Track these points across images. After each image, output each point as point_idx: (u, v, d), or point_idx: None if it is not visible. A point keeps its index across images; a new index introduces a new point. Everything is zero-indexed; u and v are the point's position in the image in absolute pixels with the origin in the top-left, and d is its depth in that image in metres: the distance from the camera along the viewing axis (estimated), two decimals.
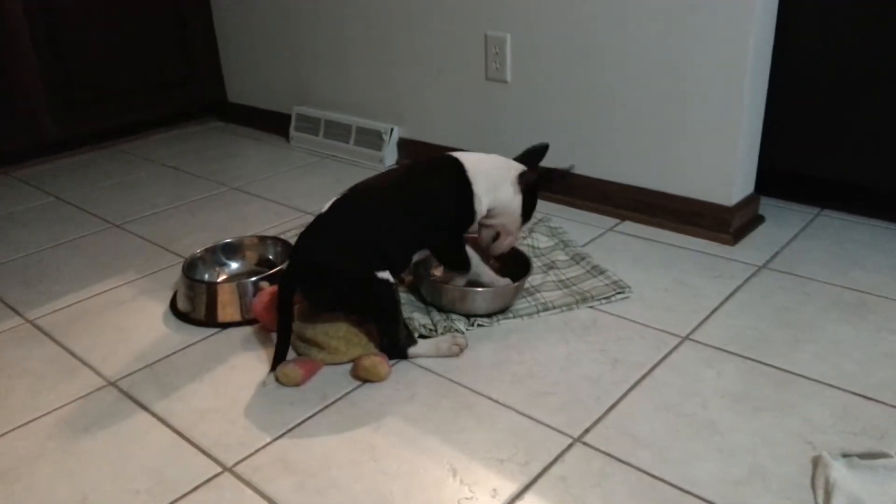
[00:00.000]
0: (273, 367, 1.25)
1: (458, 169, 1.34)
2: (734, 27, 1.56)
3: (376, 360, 1.24)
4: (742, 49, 1.57)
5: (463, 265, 1.39)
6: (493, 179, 1.35)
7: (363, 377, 1.24)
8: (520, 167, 1.38)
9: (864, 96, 1.69)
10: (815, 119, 1.78)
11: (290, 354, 1.30)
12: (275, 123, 2.77)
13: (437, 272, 1.52)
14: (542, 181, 1.40)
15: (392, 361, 1.29)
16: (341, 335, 1.28)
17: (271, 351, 1.30)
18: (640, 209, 1.83)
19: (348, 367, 1.29)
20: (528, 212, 1.41)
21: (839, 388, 1.18)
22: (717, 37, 1.59)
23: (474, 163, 1.35)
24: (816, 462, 1.01)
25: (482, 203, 1.34)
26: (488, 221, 1.39)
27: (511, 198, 1.36)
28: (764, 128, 1.74)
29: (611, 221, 1.86)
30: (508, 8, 1.93)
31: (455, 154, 1.37)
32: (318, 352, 1.28)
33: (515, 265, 1.47)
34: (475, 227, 1.40)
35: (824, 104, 1.75)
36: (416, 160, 1.42)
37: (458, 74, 2.13)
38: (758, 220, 1.79)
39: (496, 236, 1.41)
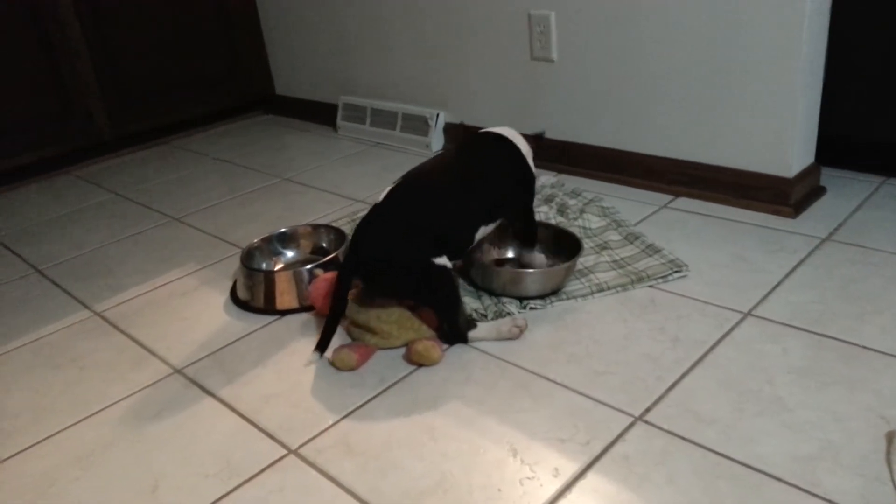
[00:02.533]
0: (317, 347, 1.28)
1: (504, 140, 1.42)
2: None
3: (429, 344, 1.25)
4: (798, 9, 1.51)
5: (535, 233, 1.47)
6: (526, 149, 1.44)
7: (416, 361, 1.25)
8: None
9: None
10: (877, 83, 1.70)
11: (345, 339, 1.32)
12: (322, 114, 2.80)
13: (489, 255, 1.52)
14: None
15: (443, 347, 1.30)
16: (394, 320, 1.29)
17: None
18: (695, 184, 1.79)
19: (404, 351, 1.30)
20: None
21: None
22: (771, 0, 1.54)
23: (511, 134, 1.43)
24: (892, 437, 0.98)
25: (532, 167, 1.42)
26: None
27: (533, 167, 1.45)
28: (823, 94, 1.68)
29: (665, 198, 1.82)
30: None
31: (499, 130, 1.44)
32: (372, 336, 1.29)
33: (566, 246, 1.46)
34: None
35: (887, 67, 1.68)
36: (460, 142, 1.45)
37: (502, 55, 2.11)
38: (819, 191, 1.73)
39: None
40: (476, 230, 1.34)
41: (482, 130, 1.45)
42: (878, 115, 1.73)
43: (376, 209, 1.28)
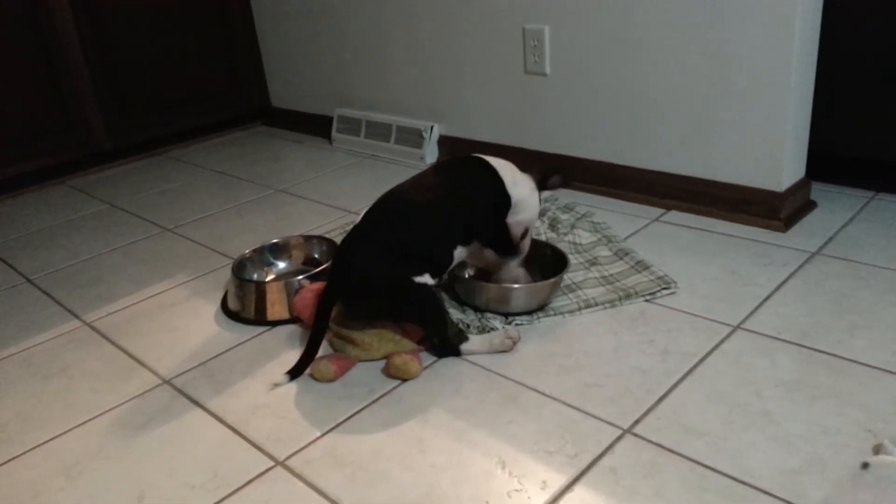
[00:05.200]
0: (292, 371, 1.27)
1: (484, 163, 1.39)
2: (779, 6, 1.52)
3: (406, 358, 1.24)
4: (788, 27, 1.53)
5: (514, 249, 1.42)
6: (513, 176, 1.39)
7: (394, 375, 1.25)
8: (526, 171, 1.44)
9: None
10: (866, 98, 1.72)
11: (327, 350, 1.32)
12: (317, 126, 2.81)
13: (472, 272, 1.52)
14: (553, 179, 1.46)
15: (433, 358, 1.30)
16: (374, 331, 1.29)
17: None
18: (687, 198, 1.80)
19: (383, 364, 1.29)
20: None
21: None
22: (762, 16, 1.55)
23: (497, 163, 1.40)
24: (878, 451, 0.98)
25: (511, 193, 1.38)
26: (515, 219, 1.40)
27: (530, 193, 1.40)
28: (814, 109, 1.69)
29: (656, 212, 1.83)
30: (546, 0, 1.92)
31: (478, 155, 1.42)
32: (353, 348, 1.29)
33: (553, 262, 1.46)
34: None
35: (875, 82, 1.69)
36: (438, 163, 1.45)
37: (497, 69, 2.12)
38: (810, 205, 1.74)
39: (525, 232, 1.43)
40: (453, 248, 1.33)
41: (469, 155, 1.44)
42: (868, 130, 1.74)
43: (354, 232, 1.29)
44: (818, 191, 1.79)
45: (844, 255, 1.51)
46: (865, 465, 0.91)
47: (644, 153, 1.87)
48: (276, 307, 1.48)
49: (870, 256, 1.50)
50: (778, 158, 1.63)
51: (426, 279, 1.27)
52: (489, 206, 1.37)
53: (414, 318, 1.30)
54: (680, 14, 1.67)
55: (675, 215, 1.80)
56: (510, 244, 1.42)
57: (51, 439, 1.20)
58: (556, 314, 1.40)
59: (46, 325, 1.58)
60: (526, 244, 1.44)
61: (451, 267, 1.37)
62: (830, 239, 1.59)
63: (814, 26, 1.60)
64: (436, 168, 1.42)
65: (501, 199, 1.37)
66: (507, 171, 1.39)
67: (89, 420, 1.24)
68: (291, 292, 1.47)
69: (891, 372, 1.15)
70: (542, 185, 1.44)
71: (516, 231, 1.41)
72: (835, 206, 1.74)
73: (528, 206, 1.41)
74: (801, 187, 1.71)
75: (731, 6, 1.58)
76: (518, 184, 1.39)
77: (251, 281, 1.56)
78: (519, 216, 1.40)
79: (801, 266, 1.49)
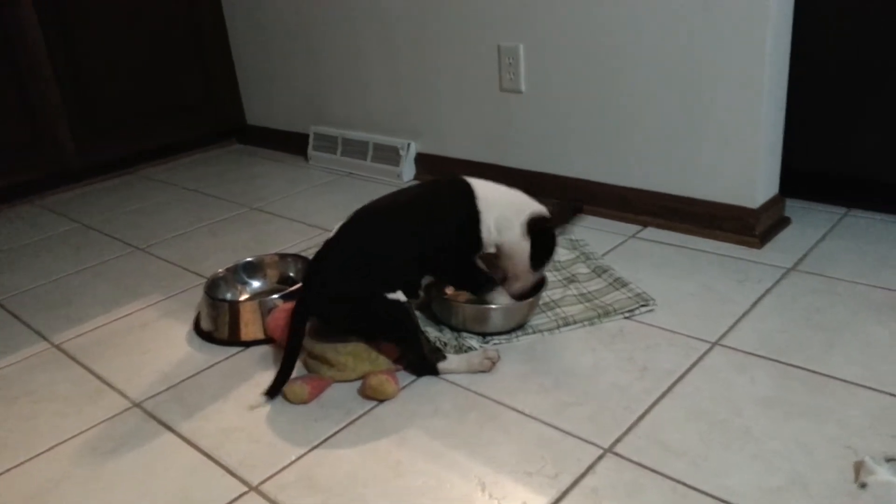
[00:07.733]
0: (269, 391, 1.24)
1: (469, 194, 1.29)
2: (750, 25, 1.54)
3: (383, 378, 1.22)
4: (759, 47, 1.55)
5: (478, 288, 1.35)
6: (504, 216, 1.28)
7: (370, 395, 1.23)
8: (537, 211, 1.29)
9: (888, 91, 1.66)
10: (838, 117, 1.74)
11: (301, 371, 1.30)
12: (293, 144, 2.79)
13: (450, 290, 1.49)
14: (553, 229, 1.30)
15: (411, 378, 1.28)
16: (349, 351, 1.27)
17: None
18: (663, 215, 1.81)
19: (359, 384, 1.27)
20: (538, 260, 1.31)
21: (876, 390, 1.14)
22: (733, 36, 1.57)
23: (488, 193, 1.30)
24: (859, 467, 0.97)
25: (490, 234, 1.29)
26: (496, 262, 1.35)
27: (518, 241, 1.28)
28: (786, 128, 1.71)
29: (633, 228, 1.83)
30: (520, 18, 1.93)
31: (469, 179, 1.32)
32: (328, 369, 1.27)
33: None
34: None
35: (847, 101, 1.72)
36: (427, 181, 1.39)
37: (473, 87, 2.13)
38: (784, 221, 1.75)
39: (504, 279, 1.35)
40: (421, 275, 1.30)
41: (463, 177, 1.33)
42: (841, 147, 1.76)
43: (327, 246, 1.27)
44: (792, 207, 1.80)
45: (819, 271, 1.52)
46: (863, 485, 0.91)
47: (620, 170, 1.87)
48: (250, 327, 1.45)
49: (844, 272, 1.51)
50: (752, 175, 1.65)
51: (399, 296, 1.25)
52: (449, 241, 1.29)
53: (387, 335, 1.28)
54: (654, 32, 1.69)
55: (652, 232, 1.80)
56: (472, 282, 1.34)
57: (14, 466, 1.16)
58: (534, 332, 1.39)
59: (12, 346, 1.53)
60: (514, 287, 1.35)
61: (420, 287, 1.33)
62: (805, 255, 1.60)
63: (785, 44, 1.62)
64: (418, 187, 1.37)
65: (470, 239, 1.29)
66: (493, 210, 1.28)
67: (56, 445, 1.20)
68: (266, 312, 1.45)
69: (867, 387, 1.15)
70: (534, 227, 1.28)
71: (496, 273, 1.36)
72: (809, 223, 1.75)
73: (511, 255, 1.30)
74: (775, 204, 1.72)
75: (704, 25, 1.60)
76: (505, 227, 1.28)
77: (224, 300, 1.53)
78: (501, 261, 1.33)
79: (776, 282, 1.50)
